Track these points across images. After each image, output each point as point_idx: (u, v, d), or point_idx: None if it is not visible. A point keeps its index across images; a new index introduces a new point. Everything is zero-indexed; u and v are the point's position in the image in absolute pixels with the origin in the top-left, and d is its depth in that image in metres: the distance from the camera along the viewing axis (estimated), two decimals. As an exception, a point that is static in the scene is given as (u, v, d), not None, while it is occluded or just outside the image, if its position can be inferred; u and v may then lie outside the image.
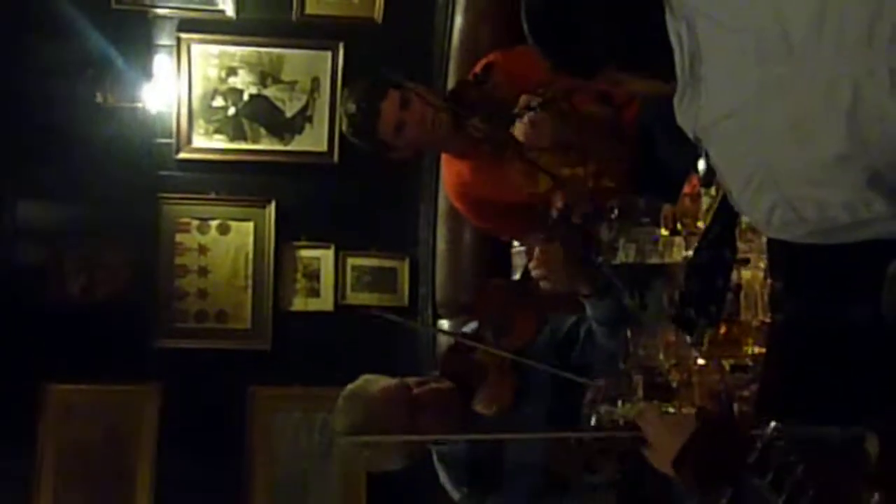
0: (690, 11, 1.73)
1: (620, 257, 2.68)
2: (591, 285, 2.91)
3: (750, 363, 2.38)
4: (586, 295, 2.97)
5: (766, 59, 1.63)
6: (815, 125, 1.59)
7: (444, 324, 4.68)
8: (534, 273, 2.97)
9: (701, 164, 2.40)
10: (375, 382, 3.00)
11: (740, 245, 2.38)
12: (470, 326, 3.26)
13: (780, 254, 2.19)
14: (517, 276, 3.67)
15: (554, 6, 1.92)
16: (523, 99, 3.12)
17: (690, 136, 1.85)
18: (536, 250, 2.96)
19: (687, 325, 2.19)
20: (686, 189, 2.53)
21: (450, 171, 3.58)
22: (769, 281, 2.30)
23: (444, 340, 3.78)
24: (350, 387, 3.01)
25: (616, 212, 2.68)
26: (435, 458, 3.11)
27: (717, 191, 2.30)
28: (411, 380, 3.06)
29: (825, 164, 1.60)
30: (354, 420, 2.92)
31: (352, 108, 3.31)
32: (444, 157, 3.65)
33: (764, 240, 2.30)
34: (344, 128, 3.41)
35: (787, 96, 1.62)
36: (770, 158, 1.69)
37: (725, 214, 2.13)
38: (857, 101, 1.53)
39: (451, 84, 4.44)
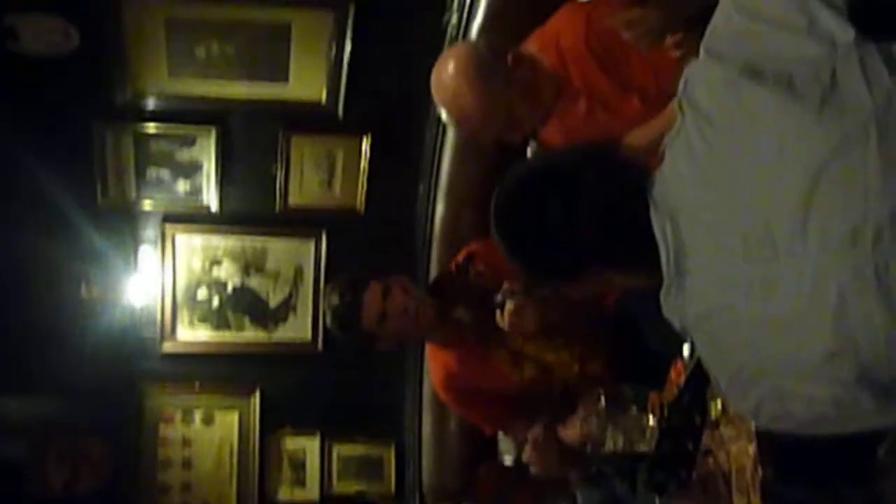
0: (674, 209, 1.75)
1: (609, 446, 2.68)
2: (582, 475, 2.90)
3: (743, 550, 2.36)
4: (576, 485, 2.95)
5: (751, 258, 1.63)
6: (802, 324, 1.59)
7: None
8: (525, 458, 2.96)
9: (686, 349, 2.43)
10: None
11: (729, 431, 2.39)
12: None
13: (769, 441, 2.19)
14: (507, 461, 3.67)
15: (526, 204, 1.91)
16: (505, 286, 3.15)
17: (677, 328, 1.85)
18: (531, 437, 2.96)
19: (658, 488, 2.18)
20: (672, 375, 2.54)
21: (436, 364, 3.58)
22: (759, 468, 2.29)
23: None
24: None
25: (604, 400, 2.69)
26: None
27: (691, 359, 2.32)
28: None
29: (813, 362, 1.59)
30: None
31: (335, 301, 3.35)
32: (429, 349, 3.66)
33: (752, 425, 2.30)
34: (328, 322, 3.43)
35: (774, 295, 1.62)
36: (758, 355, 1.68)
37: (696, 381, 2.14)
38: (844, 302, 1.54)
39: (433, 271, 4.50)
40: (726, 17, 1.73)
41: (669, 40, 2.63)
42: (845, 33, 1.56)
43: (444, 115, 3.03)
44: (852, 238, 1.52)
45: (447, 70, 2.92)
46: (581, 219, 1.84)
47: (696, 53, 1.74)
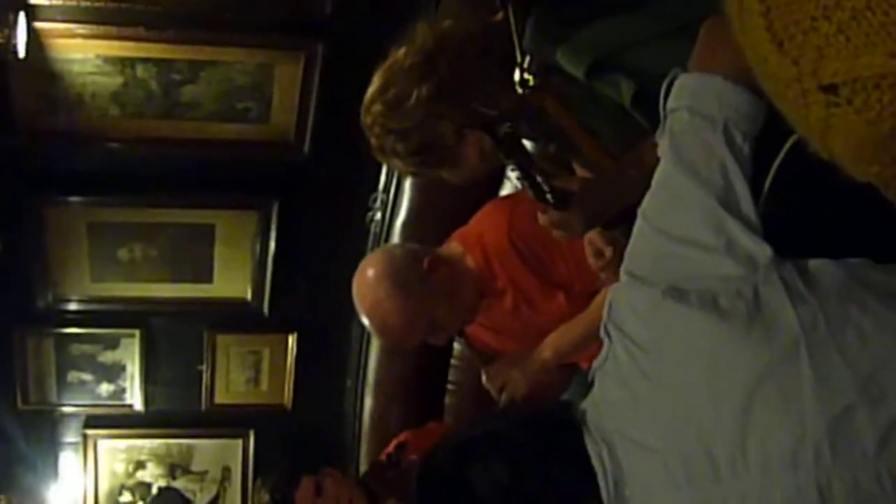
0: (609, 434, 1.70)
1: None
2: None
3: None
4: None
5: (692, 480, 1.59)
6: None
7: None
8: None
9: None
10: None
11: None
12: None
13: None
14: None
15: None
16: None
17: None
18: None
19: None
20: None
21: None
22: None
23: None
24: None
25: None
26: None
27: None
28: None
29: None
30: None
31: (265, 498, 3.29)
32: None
33: None
34: None
35: None
36: None
37: None
38: None
39: (363, 466, 4.44)
40: (645, 239, 1.73)
41: (597, 260, 2.67)
42: (763, 252, 1.59)
43: (366, 325, 3.04)
44: (792, 457, 1.50)
45: (365, 283, 2.92)
46: (522, 479, 1.79)
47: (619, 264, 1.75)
